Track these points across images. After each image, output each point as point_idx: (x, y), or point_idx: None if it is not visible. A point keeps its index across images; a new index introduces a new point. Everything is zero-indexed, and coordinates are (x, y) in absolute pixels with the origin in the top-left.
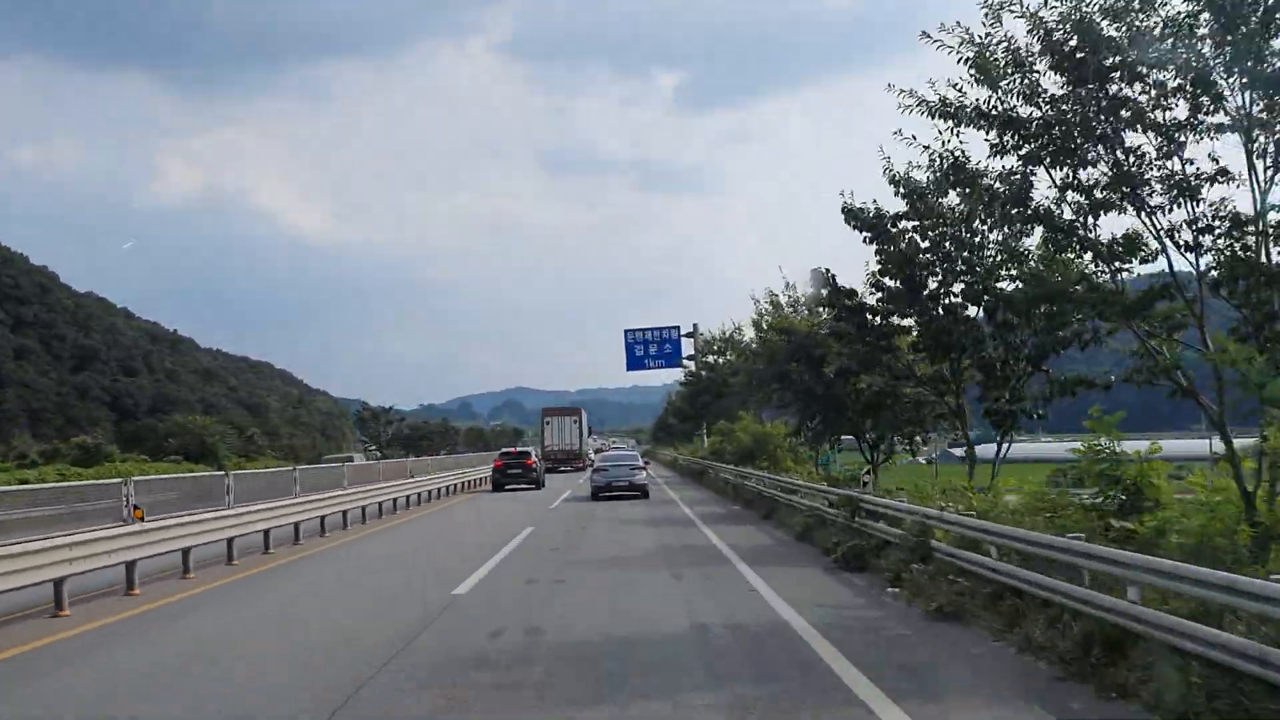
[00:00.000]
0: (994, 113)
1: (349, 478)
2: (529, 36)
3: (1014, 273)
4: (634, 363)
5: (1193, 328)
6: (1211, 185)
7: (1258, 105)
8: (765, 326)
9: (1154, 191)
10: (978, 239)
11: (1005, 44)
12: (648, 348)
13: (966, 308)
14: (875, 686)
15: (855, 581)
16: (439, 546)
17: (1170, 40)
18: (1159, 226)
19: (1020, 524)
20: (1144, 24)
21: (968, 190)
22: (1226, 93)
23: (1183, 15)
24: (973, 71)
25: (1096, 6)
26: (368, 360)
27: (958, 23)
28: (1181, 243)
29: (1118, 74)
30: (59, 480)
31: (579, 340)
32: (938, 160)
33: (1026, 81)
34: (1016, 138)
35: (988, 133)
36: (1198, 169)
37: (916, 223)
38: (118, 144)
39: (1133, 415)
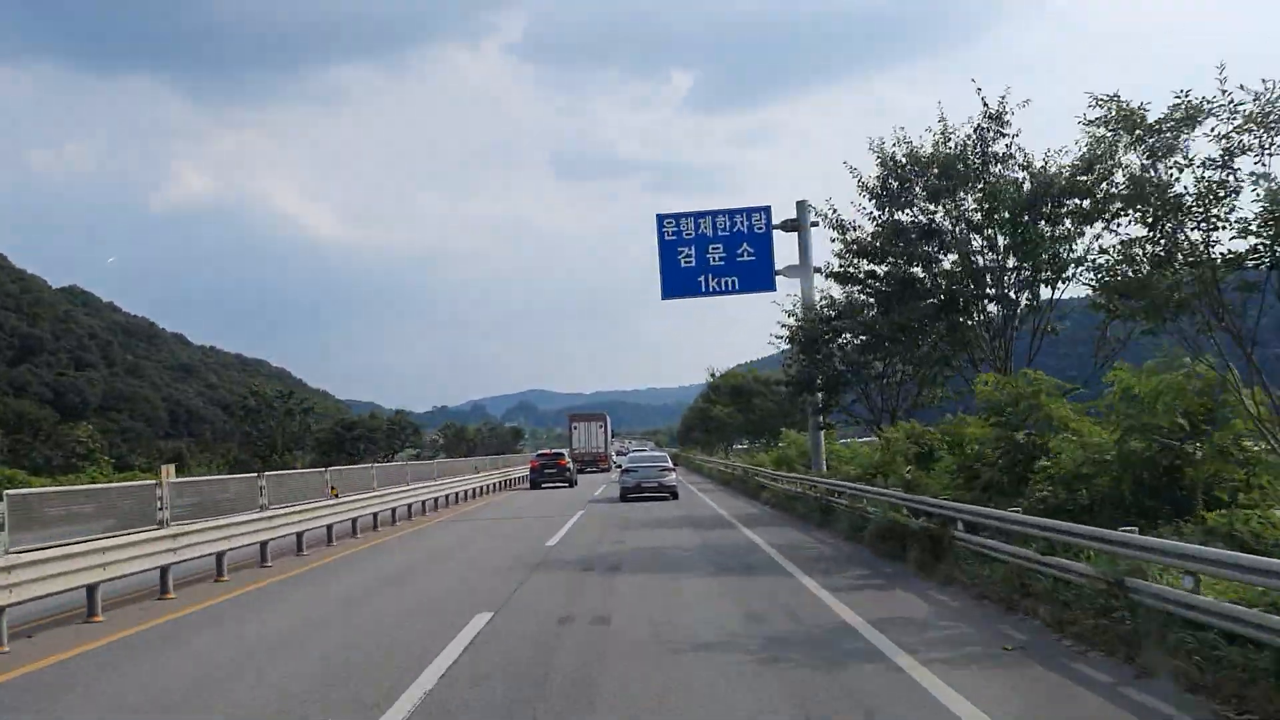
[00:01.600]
0: None
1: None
2: (542, 38)
3: None
4: (678, 283)
5: None
6: None
7: None
8: None
9: None
10: None
11: None
12: (705, 254)
13: None
14: None
15: None
16: None
17: None
18: None
19: None
20: None
21: None
22: None
23: None
24: None
25: None
26: (380, 363)
27: None
28: None
29: None
30: None
31: (594, 343)
32: None
33: None
34: None
35: None
36: None
37: None
38: (132, 148)
39: None
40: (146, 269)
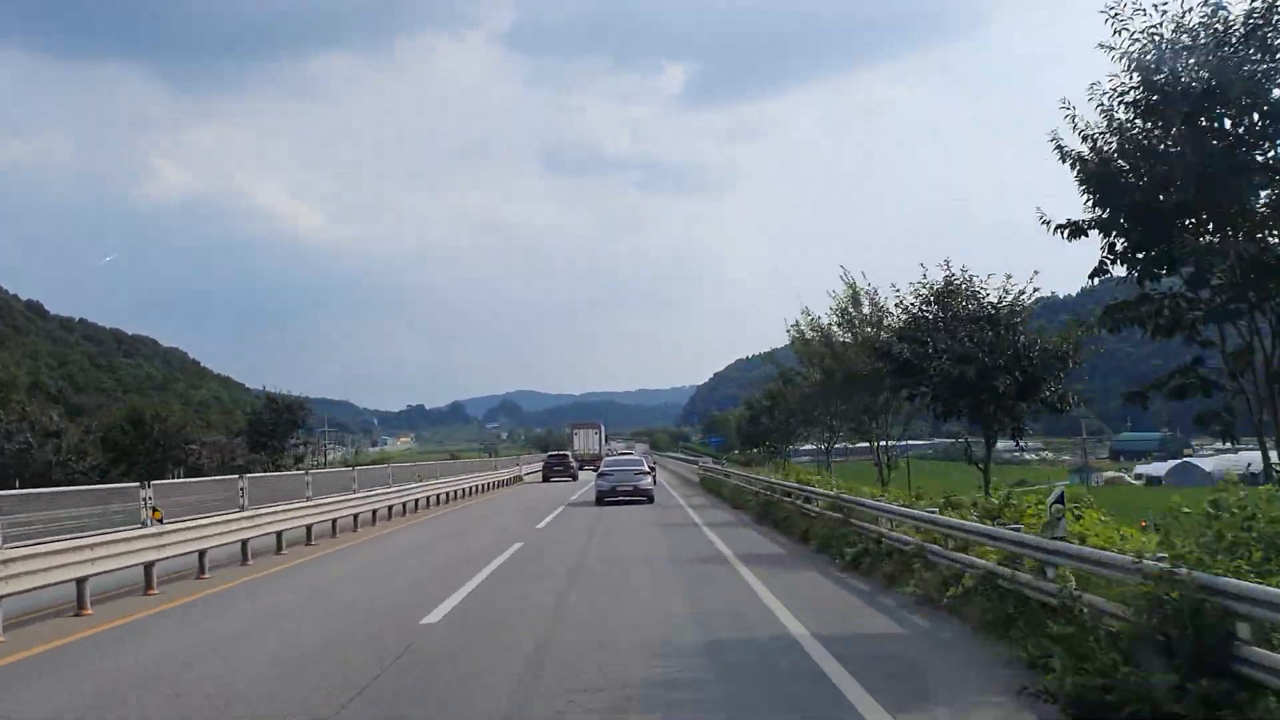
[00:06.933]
0: None
1: None
2: (530, 27)
3: None
4: None
5: None
6: None
7: None
8: None
9: None
10: None
11: None
12: None
13: None
14: None
15: None
16: None
17: None
18: None
19: None
20: None
21: None
22: None
23: None
24: None
25: None
26: (358, 362)
27: None
28: None
29: None
30: None
31: (585, 343)
32: None
33: None
34: None
35: None
36: None
37: None
38: (102, 138)
39: None
40: (123, 271)
